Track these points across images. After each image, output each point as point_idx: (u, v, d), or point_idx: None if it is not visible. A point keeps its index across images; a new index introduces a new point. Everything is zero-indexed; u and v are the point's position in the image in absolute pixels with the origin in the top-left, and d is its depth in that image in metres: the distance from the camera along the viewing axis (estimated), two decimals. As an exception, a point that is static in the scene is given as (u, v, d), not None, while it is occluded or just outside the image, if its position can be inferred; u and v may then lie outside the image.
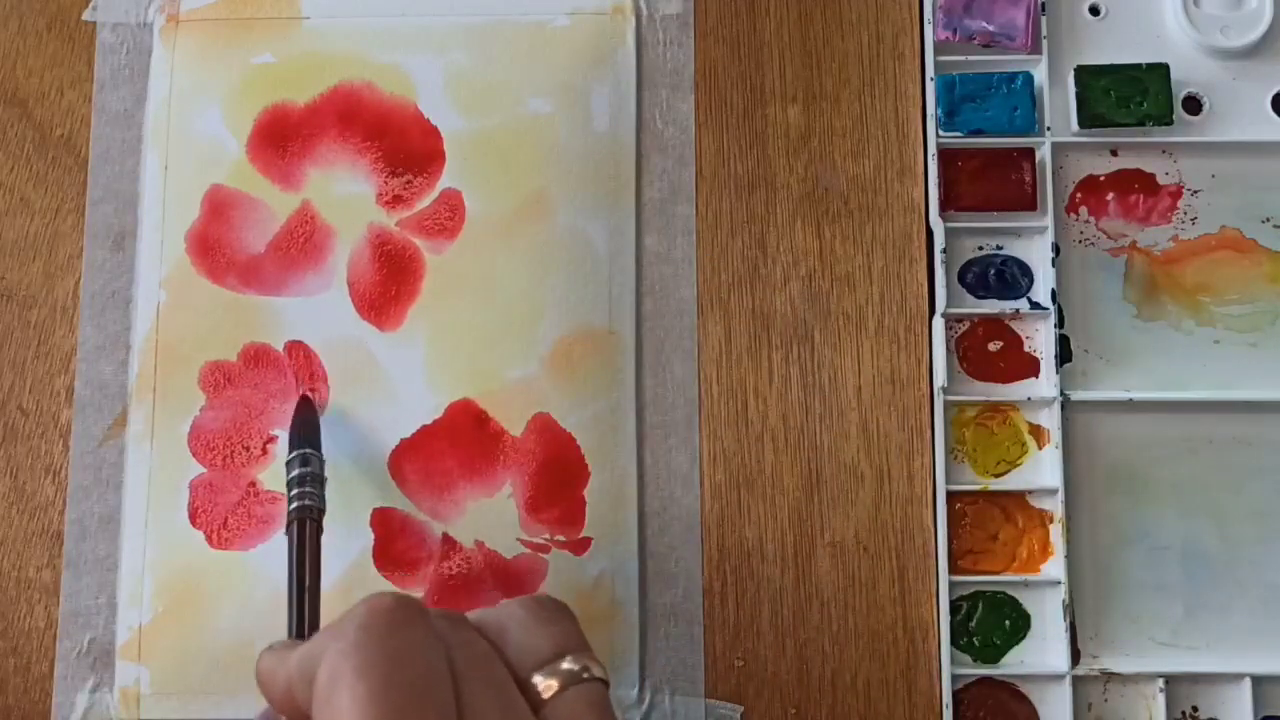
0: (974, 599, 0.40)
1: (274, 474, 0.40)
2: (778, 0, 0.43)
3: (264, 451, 0.40)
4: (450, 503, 0.40)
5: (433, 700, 0.25)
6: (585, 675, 0.27)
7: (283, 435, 0.40)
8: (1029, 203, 0.41)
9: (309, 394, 0.40)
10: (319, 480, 0.37)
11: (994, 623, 0.39)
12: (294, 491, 0.36)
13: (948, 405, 0.40)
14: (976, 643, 0.39)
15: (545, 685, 0.27)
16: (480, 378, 0.41)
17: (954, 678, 0.39)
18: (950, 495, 0.40)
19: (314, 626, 0.34)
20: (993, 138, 0.42)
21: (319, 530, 0.36)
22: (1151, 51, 0.43)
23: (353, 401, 0.40)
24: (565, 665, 0.27)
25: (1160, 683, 0.39)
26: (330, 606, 0.39)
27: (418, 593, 0.39)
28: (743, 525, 0.40)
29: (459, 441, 0.40)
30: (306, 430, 0.38)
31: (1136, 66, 0.42)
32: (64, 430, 0.41)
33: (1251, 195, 0.42)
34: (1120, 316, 0.41)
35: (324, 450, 0.38)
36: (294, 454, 0.37)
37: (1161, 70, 0.42)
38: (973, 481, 0.40)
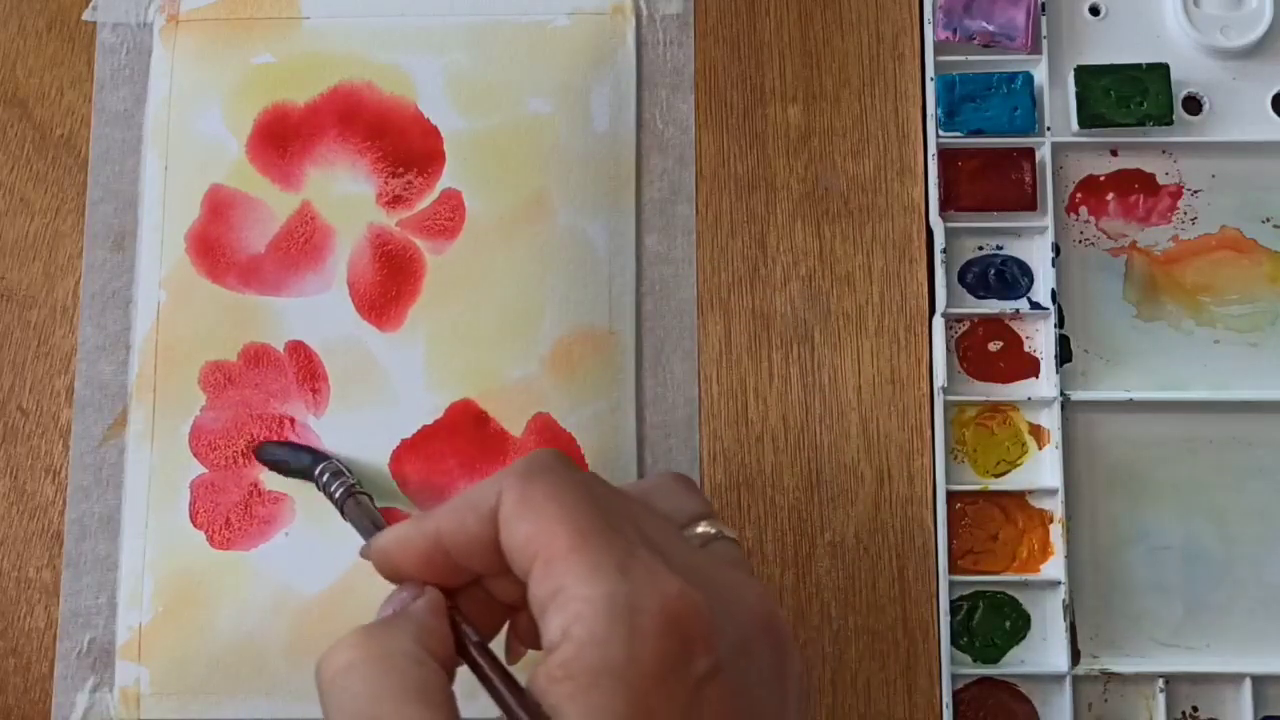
0: (974, 599, 0.40)
1: (274, 475, 0.40)
2: (778, 0, 0.43)
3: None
4: (450, 503, 0.40)
5: (625, 518, 0.26)
6: (720, 536, 0.30)
7: (295, 436, 0.40)
8: (1029, 203, 0.41)
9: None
10: (343, 473, 0.37)
11: (994, 623, 0.39)
12: (332, 486, 0.37)
13: (948, 405, 0.40)
14: (976, 643, 0.39)
15: (692, 538, 0.29)
16: (480, 378, 0.41)
17: (954, 678, 0.39)
18: (950, 495, 0.40)
19: None
20: (993, 138, 0.42)
21: (371, 499, 0.36)
22: (1151, 51, 0.43)
23: (353, 402, 0.40)
24: (702, 528, 0.30)
25: (1160, 683, 0.39)
26: (331, 608, 0.39)
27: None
28: (743, 525, 0.40)
29: (459, 441, 0.40)
30: (309, 454, 0.39)
31: (1136, 66, 0.42)
32: (64, 430, 0.41)
33: (1251, 195, 0.42)
34: (1120, 316, 0.41)
35: (324, 450, 0.39)
36: (316, 469, 0.38)
37: (1161, 70, 0.42)
38: (973, 481, 0.40)
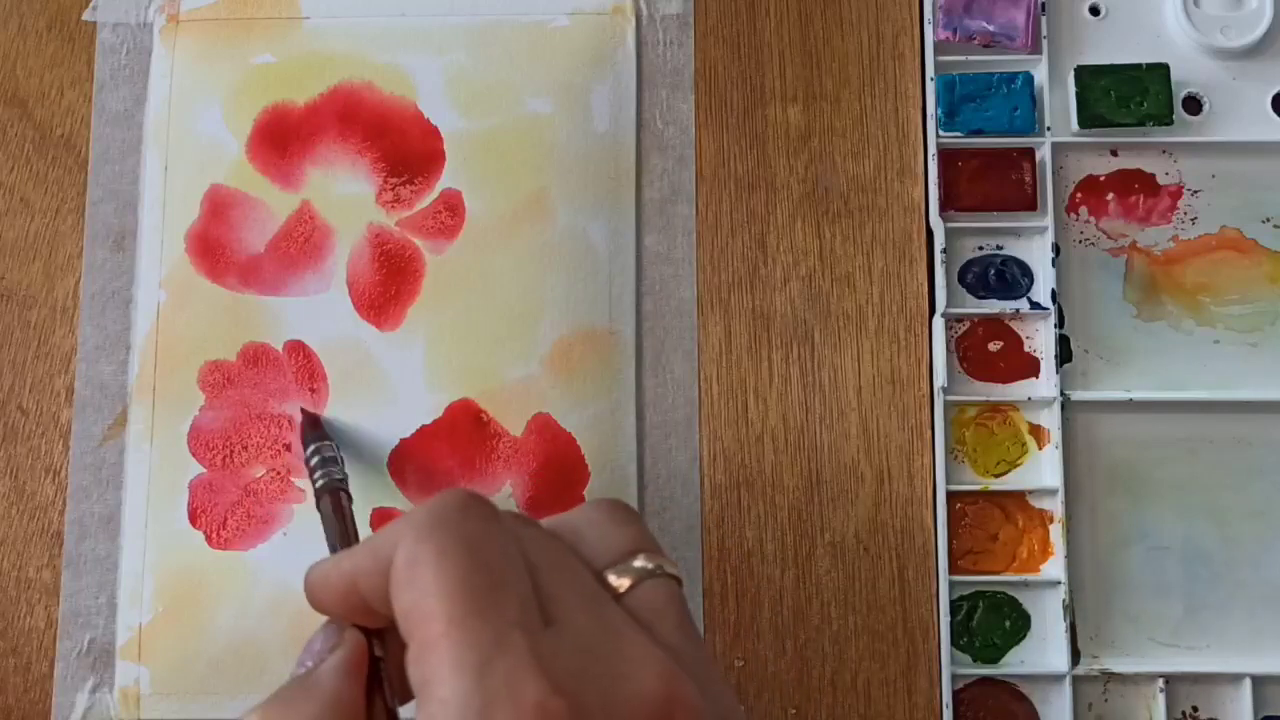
0: (974, 599, 0.40)
1: (274, 476, 0.40)
2: (778, 0, 0.43)
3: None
4: (450, 503, 0.40)
5: (514, 584, 0.25)
6: (658, 572, 0.27)
7: (294, 436, 0.40)
8: (1029, 203, 0.41)
9: (306, 410, 0.40)
10: (337, 460, 0.37)
11: (994, 623, 0.39)
12: (317, 473, 0.36)
13: (948, 405, 0.40)
14: (976, 643, 0.39)
15: (618, 582, 0.27)
16: (480, 378, 0.41)
17: (954, 678, 0.39)
18: (950, 495, 0.40)
19: None
20: (993, 138, 0.42)
21: (349, 498, 0.36)
22: (1151, 51, 0.43)
23: (352, 401, 0.40)
24: (638, 563, 0.27)
25: (1160, 683, 0.39)
26: (330, 606, 0.39)
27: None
28: (743, 525, 0.40)
29: (459, 442, 0.40)
30: (314, 430, 0.38)
31: (1136, 66, 0.42)
32: (64, 430, 0.41)
33: (1251, 195, 0.42)
34: (1120, 316, 0.41)
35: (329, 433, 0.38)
36: (309, 449, 0.37)
37: (1161, 70, 0.42)
38: (973, 481, 0.40)
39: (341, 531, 0.34)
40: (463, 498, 0.26)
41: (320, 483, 0.36)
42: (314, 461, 0.36)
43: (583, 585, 0.26)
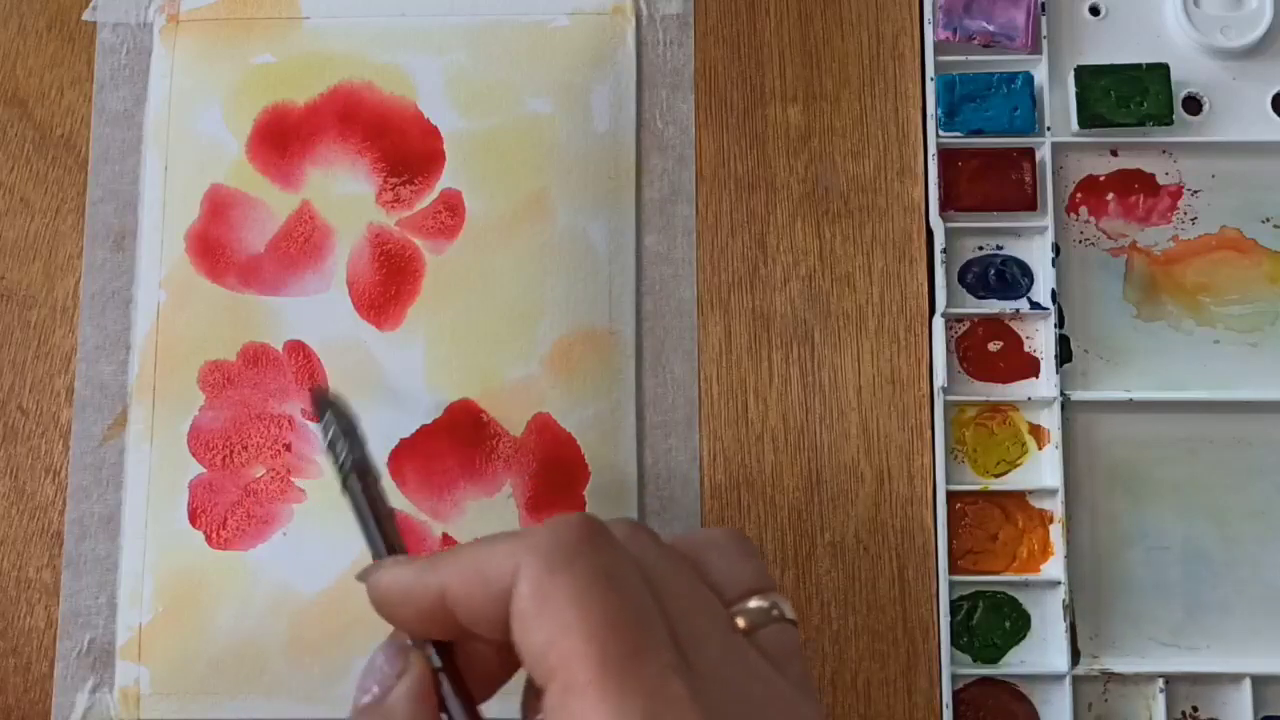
0: (974, 599, 0.40)
1: (274, 475, 0.40)
2: (778, 0, 0.43)
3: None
4: (450, 503, 0.40)
5: (659, 623, 0.23)
6: (775, 614, 0.26)
7: (294, 436, 0.40)
8: (1029, 203, 0.41)
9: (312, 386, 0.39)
10: (355, 434, 0.33)
11: (994, 623, 0.39)
12: (340, 450, 0.32)
13: (948, 405, 0.40)
14: (976, 643, 0.39)
15: (740, 621, 0.26)
16: (480, 378, 0.41)
17: (954, 678, 0.39)
18: (950, 495, 0.40)
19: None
20: (993, 138, 0.42)
21: (376, 478, 0.32)
22: (1151, 51, 0.43)
23: (352, 401, 0.40)
24: (755, 603, 0.26)
25: (1160, 683, 0.39)
26: (330, 608, 0.39)
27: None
28: (743, 525, 0.40)
29: (459, 442, 0.40)
30: (325, 400, 0.35)
31: (1136, 66, 0.42)
32: (64, 430, 0.41)
33: (1251, 195, 0.42)
34: (1120, 316, 0.41)
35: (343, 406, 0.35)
36: (322, 419, 0.34)
37: (1161, 70, 0.42)
38: (973, 481, 0.40)
39: (379, 514, 0.31)
40: (588, 525, 0.24)
41: (345, 464, 0.32)
42: (331, 435, 0.33)
43: (718, 620, 0.25)
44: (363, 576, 0.28)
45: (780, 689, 0.24)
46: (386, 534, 0.31)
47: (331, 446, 0.33)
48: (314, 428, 0.36)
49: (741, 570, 0.27)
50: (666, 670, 0.22)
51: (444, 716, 0.26)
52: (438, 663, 0.26)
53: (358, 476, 0.32)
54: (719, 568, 0.26)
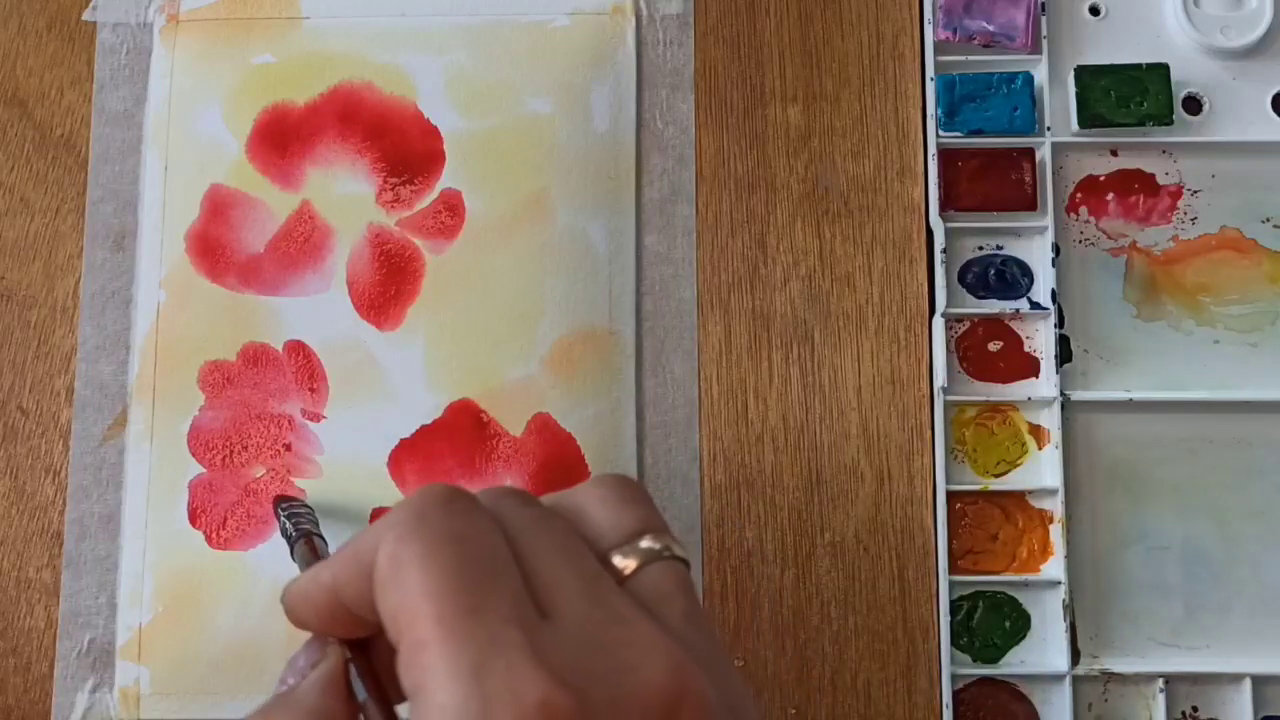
0: (974, 599, 0.40)
1: (274, 476, 0.40)
2: (778, 0, 0.43)
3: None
4: (450, 503, 0.40)
5: (504, 577, 0.24)
6: (665, 553, 0.26)
7: (293, 436, 0.40)
8: (1029, 203, 0.41)
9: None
10: (308, 512, 0.37)
11: (994, 623, 0.39)
12: (289, 525, 0.36)
13: (948, 405, 0.40)
14: (976, 643, 0.39)
15: (624, 564, 0.26)
16: (480, 378, 0.41)
17: (954, 678, 0.39)
18: (950, 495, 0.40)
19: None
20: (993, 138, 0.42)
21: (324, 543, 0.35)
22: (1151, 51, 0.43)
23: (352, 401, 0.40)
24: (645, 544, 0.26)
25: (1160, 683, 0.39)
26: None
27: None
28: (743, 525, 0.40)
29: (459, 441, 0.40)
30: (283, 497, 0.39)
31: (1136, 66, 0.42)
32: (64, 430, 0.41)
33: (1251, 195, 0.42)
34: (1120, 316, 0.41)
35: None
36: (280, 510, 0.37)
37: (1161, 70, 0.42)
38: (973, 481, 0.40)
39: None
40: (443, 492, 0.25)
41: (294, 532, 0.35)
42: (284, 516, 0.36)
43: (584, 570, 0.25)
44: (282, 598, 0.28)
45: (643, 629, 0.24)
46: None
47: (281, 525, 0.36)
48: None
49: (624, 514, 0.27)
50: (504, 622, 0.23)
51: (361, 717, 0.27)
52: (347, 653, 0.27)
53: (305, 542, 0.35)
54: (598, 516, 0.27)
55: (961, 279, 0.42)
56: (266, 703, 0.26)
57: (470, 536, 0.24)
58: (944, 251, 0.41)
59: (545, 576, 0.24)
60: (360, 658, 0.27)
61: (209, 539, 0.40)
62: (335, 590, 0.26)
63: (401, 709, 0.26)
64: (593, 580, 0.25)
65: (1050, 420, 0.40)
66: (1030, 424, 0.41)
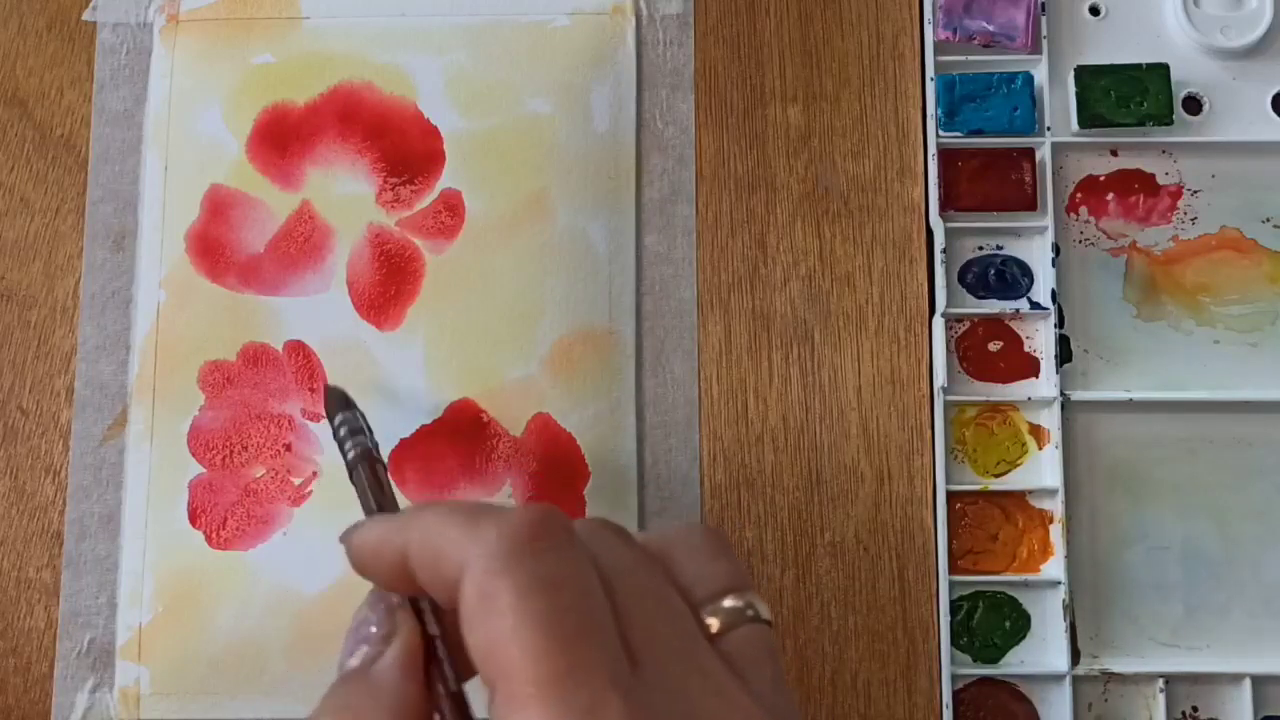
0: (974, 599, 0.40)
1: (274, 475, 0.40)
2: (778, 0, 0.43)
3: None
4: (450, 503, 0.40)
5: (602, 632, 0.23)
6: (750, 614, 0.25)
7: (293, 436, 0.40)
8: (1029, 203, 0.41)
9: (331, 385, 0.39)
10: (367, 430, 0.35)
11: (994, 623, 0.39)
12: (347, 443, 0.34)
13: (948, 405, 0.40)
14: (976, 643, 0.39)
15: (712, 621, 0.25)
16: (480, 378, 0.41)
17: (954, 678, 0.39)
18: (950, 495, 0.40)
19: None
20: (993, 138, 0.42)
21: (384, 467, 0.34)
22: (1151, 51, 0.43)
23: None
24: (731, 602, 0.25)
25: (1160, 683, 0.39)
26: (330, 608, 0.39)
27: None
28: (743, 525, 0.40)
29: (459, 441, 0.40)
30: (340, 400, 0.36)
31: (1136, 66, 0.42)
32: (64, 430, 0.41)
33: (1251, 195, 0.42)
34: (1120, 316, 0.41)
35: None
36: (336, 418, 0.35)
37: (1161, 70, 0.42)
38: (973, 481, 0.40)
39: (381, 502, 0.32)
40: (541, 522, 0.24)
41: (352, 452, 0.34)
42: (343, 432, 0.34)
43: (681, 627, 0.24)
44: (344, 537, 0.27)
45: (738, 701, 0.23)
46: (385, 510, 0.31)
47: (339, 440, 0.34)
48: (319, 426, 0.36)
49: (714, 569, 0.26)
50: (605, 688, 0.22)
51: (438, 684, 0.25)
52: (434, 628, 0.26)
53: (365, 465, 0.33)
54: (689, 567, 0.26)
55: (961, 279, 0.42)
56: (341, 682, 0.25)
57: (566, 580, 0.23)
58: (944, 251, 0.41)
59: (641, 627, 0.23)
60: (440, 629, 0.26)
61: (209, 539, 0.40)
62: (408, 559, 0.25)
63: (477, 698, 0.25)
64: (690, 639, 0.24)
65: (1050, 420, 0.40)
66: (1030, 424, 0.41)
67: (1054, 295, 0.41)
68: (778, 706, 0.24)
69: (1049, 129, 0.42)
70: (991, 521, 0.40)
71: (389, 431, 0.40)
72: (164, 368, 0.41)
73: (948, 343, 0.41)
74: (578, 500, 0.40)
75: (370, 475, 0.33)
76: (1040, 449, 0.40)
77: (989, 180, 0.42)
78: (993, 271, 0.41)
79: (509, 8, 0.43)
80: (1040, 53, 0.42)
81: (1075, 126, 0.42)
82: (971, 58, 0.42)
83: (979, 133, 0.42)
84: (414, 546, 0.25)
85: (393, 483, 0.34)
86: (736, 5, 0.43)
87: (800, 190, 0.42)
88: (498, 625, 0.22)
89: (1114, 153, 0.42)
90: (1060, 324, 0.41)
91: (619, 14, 0.43)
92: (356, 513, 0.40)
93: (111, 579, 0.40)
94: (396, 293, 0.41)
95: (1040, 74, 0.42)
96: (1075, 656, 0.39)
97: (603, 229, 0.41)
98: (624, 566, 0.24)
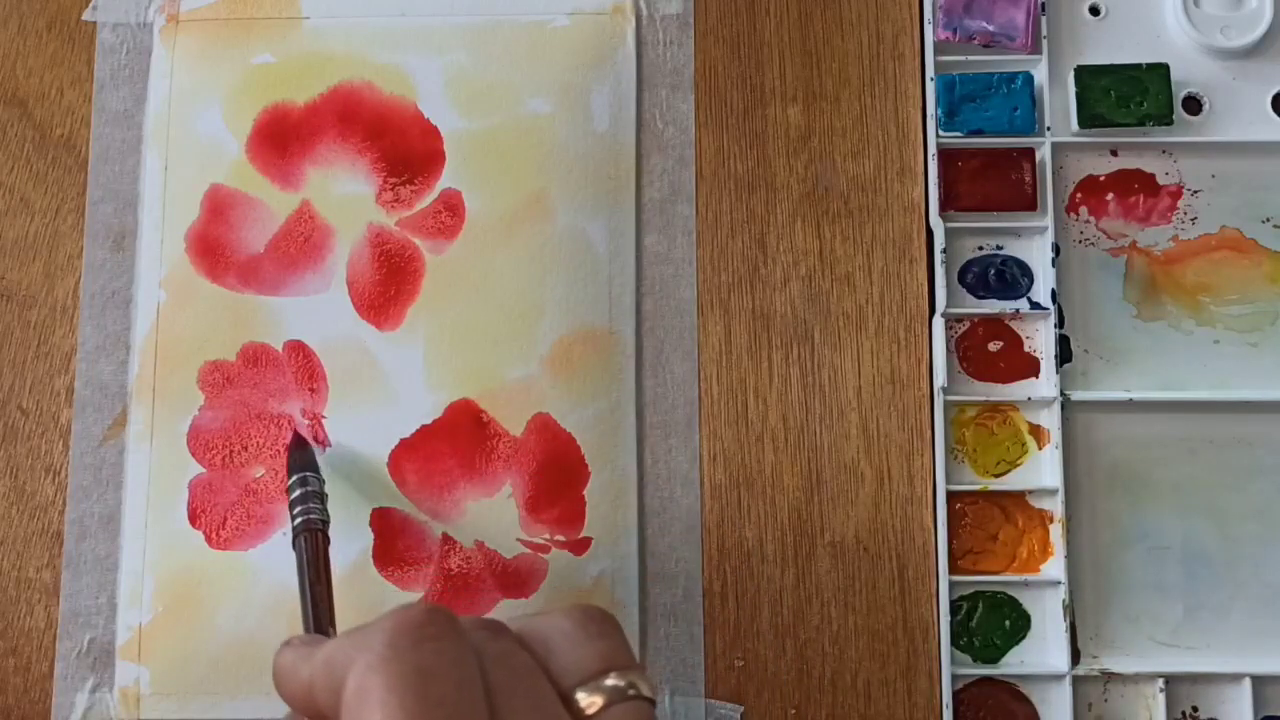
0: (974, 599, 0.40)
1: (274, 475, 0.40)
2: (778, 0, 0.43)
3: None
4: (450, 503, 0.40)
5: (467, 718, 0.24)
6: (631, 693, 0.26)
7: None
8: (1029, 203, 0.41)
9: (299, 431, 0.40)
10: (320, 496, 0.36)
11: (994, 623, 0.39)
12: (297, 509, 0.36)
13: (948, 405, 0.40)
14: (976, 643, 0.39)
15: (589, 702, 0.26)
16: (480, 378, 0.41)
17: (954, 678, 0.39)
18: (950, 495, 0.40)
19: (330, 623, 0.34)
20: (993, 138, 0.42)
21: (326, 541, 0.35)
22: (1151, 51, 0.43)
23: (352, 401, 0.40)
24: (610, 681, 0.26)
25: (1160, 683, 0.39)
26: (330, 606, 0.39)
27: (417, 593, 0.39)
28: (743, 525, 0.40)
29: (459, 441, 0.40)
30: (302, 457, 0.38)
31: (1136, 66, 0.42)
32: (64, 430, 0.41)
33: (1251, 195, 0.42)
34: (1120, 316, 0.41)
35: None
36: (293, 478, 0.37)
37: (1161, 70, 0.42)
38: (973, 481, 0.40)
39: (314, 578, 0.34)
40: (419, 618, 0.25)
41: (299, 519, 0.35)
42: (295, 495, 0.36)
43: (547, 710, 0.25)
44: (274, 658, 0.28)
45: None
46: (315, 601, 0.34)
47: (290, 502, 0.36)
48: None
49: (593, 650, 0.26)
50: None
51: None
52: None
53: (307, 538, 0.35)
54: (562, 651, 0.26)
55: (961, 279, 0.42)
56: None
57: (439, 673, 0.24)
58: (944, 251, 0.41)
59: (507, 716, 0.24)
60: None
61: (209, 539, 0.40)
62: (311, 690, 0.26)
63: None
64: None
65: (1050, 420, 0.40)
66: (1030, 424, 0.41)
67: (1054, 295, 0.41)
68: None
69: (1049, 129, 0.42)
70: (991, 521, 0.40)
71: (389, 431, 0.40)
72: (164, 368, 0.41)
73: (948, 343, 0.41)
74: (578, 500, 0.40)
75: (310, 550, 0.34)
76: (1040, 449, 0.40)
77: (989, 180, 0.42)
78: (993, 271, 0.41)
79: (509, 8, 0.43)
80: (1040, 53, 0.42)
81: (1075, 126, 0.42)
82: (971, 58, 0.42)
83: (979, 133, 0.42)
84: (316, 670, 0.26)
85: (329, 558, 0.35)
86: (736, 5, 0.43)
87: (800, 190, 0.42)
88: (368, 717, 0.23)
89: (1114, 153, 0.42)
90: (1060, 324, 0.41)
91: (619, 14, 0.43)
92: (357, 511, 0.40)
93: (111, 579, 0.40)
94: (396, 293, 0.41)
95: (1040, 74, 0.42)
96: (1075, 656, 0.39)
97: (603, 229, 0.41)
98: (493, 658, 0.25)
